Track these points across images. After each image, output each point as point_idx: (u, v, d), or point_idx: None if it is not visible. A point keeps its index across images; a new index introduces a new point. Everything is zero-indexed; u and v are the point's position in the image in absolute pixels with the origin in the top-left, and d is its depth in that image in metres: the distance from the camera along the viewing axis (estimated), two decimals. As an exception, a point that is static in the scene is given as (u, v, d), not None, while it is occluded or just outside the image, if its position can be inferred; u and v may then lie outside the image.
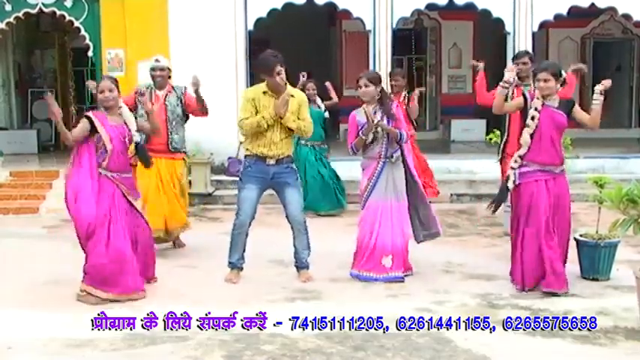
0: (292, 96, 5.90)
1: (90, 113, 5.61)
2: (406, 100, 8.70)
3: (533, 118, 5.59)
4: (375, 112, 5.88)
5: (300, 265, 6.10)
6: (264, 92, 5.89)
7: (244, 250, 6.04)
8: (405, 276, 5.97)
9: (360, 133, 5.90)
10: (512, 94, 6.81)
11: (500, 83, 5.81)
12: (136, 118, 5.91)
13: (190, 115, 7.09)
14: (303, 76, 9.00)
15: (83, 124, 5.56)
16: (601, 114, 5.64)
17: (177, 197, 7.01)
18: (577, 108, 5.70)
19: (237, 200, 6.04)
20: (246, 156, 6.04)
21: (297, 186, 6.05)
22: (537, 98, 5.59)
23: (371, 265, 5.92)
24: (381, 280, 5.85)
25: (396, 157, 5.93)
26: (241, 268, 6.08)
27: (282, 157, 5.93)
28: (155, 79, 6.96)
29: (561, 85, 5.74)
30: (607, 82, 5.54)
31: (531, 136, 5.60)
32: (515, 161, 5.66)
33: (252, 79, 10.08)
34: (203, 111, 6.93)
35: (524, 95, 5.74)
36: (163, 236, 6.92)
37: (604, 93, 5.53)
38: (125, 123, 5.66)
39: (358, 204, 6.19)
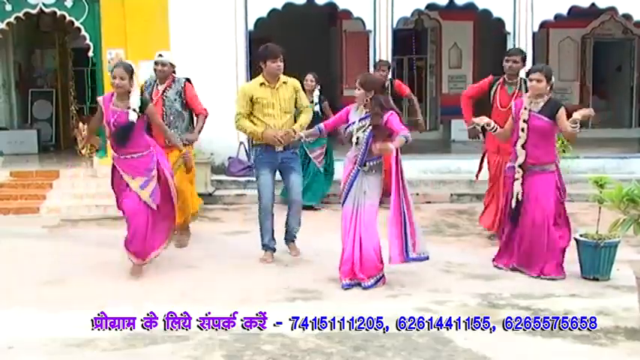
0: (285, 82, 6.53)
1: (100, 97, 6.27)
2: (390, 87, 9.15)
3: (523, 130, 6.03)
4: (366, 118, 5.80)
5: (291, 238, 6.76)
6: (261, 84, 6.48)
7: (273, 232, 6.67)
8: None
9: (344, 129, 5.99)
10: (496, 91, 7.13)
11: (488, 129, 6.32)
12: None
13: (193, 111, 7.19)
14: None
15: (98, 110, 6.24)
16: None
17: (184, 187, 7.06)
18: (561, 113, 6.06)
19: (257, 187, 6.66)
20: (254, 145, 6.66)
21: (300, 170, 6.80)
22: (525, 108, 5.88)
23: (366, 269, 5.81)
24: (374, 283, 5.80)
25: (369, 167, 5.79)
26: (274, 249, 6.69)
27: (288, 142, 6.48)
28: (156, 73, 7.04)
29: (550, 89, 5.98)
30: (586, 112, 5.98)
31: (516, 142, 6.09)
32: (518, 172, 6.11)
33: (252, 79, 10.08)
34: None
35: (511, 115, 6.21)
36: None
37: (580, 123, 5.84)
38: (128, 109, 5.98)
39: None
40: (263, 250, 6.68)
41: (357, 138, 5.79)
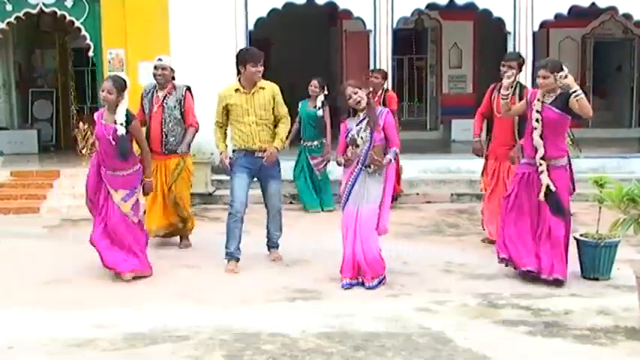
0: (263, 88, 6.31)
1: (96, 113, 6.17)
2: (383, 97, 8.91)
3: (537, 120, 5.79)
4: (363, 119, 5.79)
5: (272, 245, 6.69)
6: (237, 90, 6.32)
7: (240, 241, 6.33)
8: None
9: (346, 140, 5.83)
10: (494, 98, 6.97)
11: (500, 95, 5.95)
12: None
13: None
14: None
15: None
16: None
17: (169, 197, 7.01)
18: (572, 101, 5.77)
19: (229, 190, 6.43)
20: (234, 150, 6.45)
21: (279, 177, 6.56)
22: (538, 99, 5.75)
23: (372, 269, 5.80)
24: (378, 284, 5.81)
25: (374, 169, 5.77)
26: (238, 259, 6.35)
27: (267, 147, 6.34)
28: (156, 77, 6.96)
29: (565, 77, 5.79)
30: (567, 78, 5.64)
31: (531, 133, 5.79)
32: (540, 164, 5.79)
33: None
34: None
35: (526, 98, 5.98)
36: (171, 231, 7.15)
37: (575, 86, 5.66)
38: (115, 121, 5.92)
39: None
40: (226, 259, 6.32)
41: (361, 138, 5.77)
